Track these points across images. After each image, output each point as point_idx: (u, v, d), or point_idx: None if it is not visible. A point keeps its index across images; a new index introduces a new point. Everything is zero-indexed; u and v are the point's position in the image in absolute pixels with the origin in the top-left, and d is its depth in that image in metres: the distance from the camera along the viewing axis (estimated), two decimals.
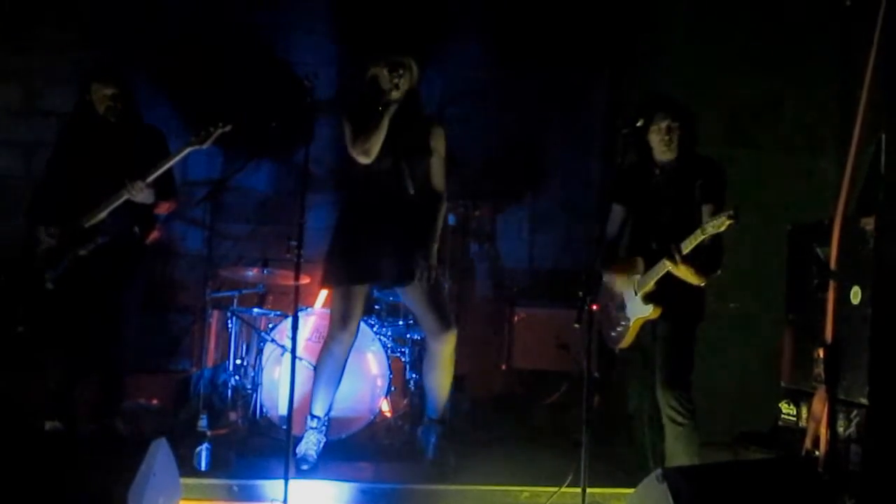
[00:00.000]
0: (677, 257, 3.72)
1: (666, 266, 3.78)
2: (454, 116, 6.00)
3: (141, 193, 4.32)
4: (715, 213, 3.64)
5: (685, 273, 3.78)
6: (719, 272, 3.91)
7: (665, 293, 3.90)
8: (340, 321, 4.22)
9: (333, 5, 6.13)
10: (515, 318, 5.90)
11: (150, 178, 4.31)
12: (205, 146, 4.35)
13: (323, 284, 4.39)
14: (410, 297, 4.31)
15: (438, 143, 4.30)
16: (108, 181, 4.32)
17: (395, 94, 4.12)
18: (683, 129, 3.99)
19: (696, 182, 3.94)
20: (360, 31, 5.97)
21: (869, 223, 3.54)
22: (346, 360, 4.29)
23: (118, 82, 4.48)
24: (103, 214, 4.34)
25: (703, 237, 3.64)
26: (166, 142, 4.59)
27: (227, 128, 4.33)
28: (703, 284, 3.87)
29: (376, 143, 4.08)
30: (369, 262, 4.18)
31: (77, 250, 4.32)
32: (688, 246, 3.70)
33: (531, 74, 6.23)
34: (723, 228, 3.57)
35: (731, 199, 3.89)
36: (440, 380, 4.34)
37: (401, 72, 4.11)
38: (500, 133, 6.31)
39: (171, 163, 4.37)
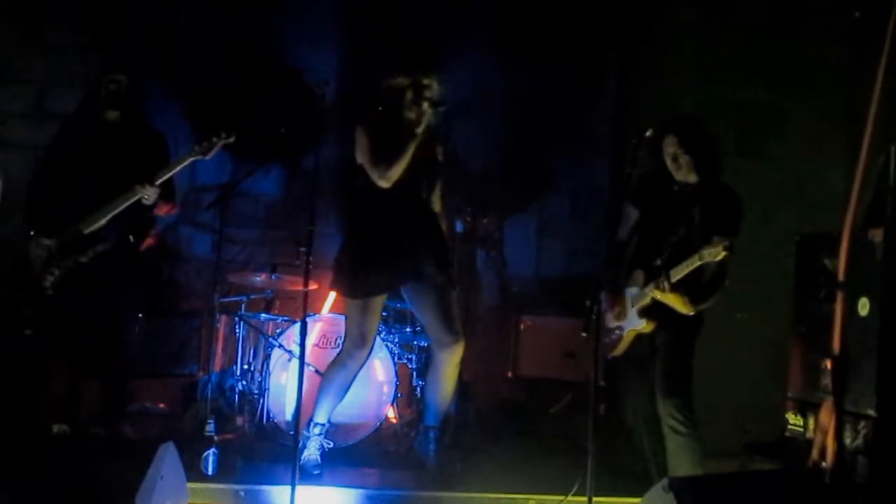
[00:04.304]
0: (665, 285, 3.72)
1: (654, 293, 3.79)
2: (461, 123, 5.99)
3: (152, 195, 4.28)
4: (726, 247, 3.57)
5: (673, 301, 3.77)
6: (711, 303, 3.86)
7: (662, 306, 3.87)
8: (360, 338, 4.14)
9: (344, 12, 6.14)
10: (522, 326, 5.91)
11: (160, 181, 4.27)
12: (207, 157, 4.31)
13: (339, 293, 4.34)
14: (420, 303, 4.27)
15: (440, 154, 4.32)
16: (107, 184, 4.28)
17: (423, 126, 4.05)
18: (693, 155, 3.88)
19: (713, 212, 3.84)
20: (371, 37, 5.98)
21: (877, 235, 3.54)
22: (357, 374, 4.26)
23: (125, 73, 4.42)
24: (104, 220, 4.27)
25: (698, 263, 3.63)
26: (167, 145, 4.56)
27: (230, 139, 4.29)
28: (691, 314, 3.81)
29: (399, 171, 4.03)
30: (389, 272, 4.13)
31: (77, 258, 4.29)
32: (678, 273, 3.70)
33: (539, 81, 6.21)
34: (718, 258, 3.56)
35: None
36: (443, 390, 4.30)
37: (429, 97, 4.02)
38: (507, 140, 6.31)
39: (174, 171, 4.34)
